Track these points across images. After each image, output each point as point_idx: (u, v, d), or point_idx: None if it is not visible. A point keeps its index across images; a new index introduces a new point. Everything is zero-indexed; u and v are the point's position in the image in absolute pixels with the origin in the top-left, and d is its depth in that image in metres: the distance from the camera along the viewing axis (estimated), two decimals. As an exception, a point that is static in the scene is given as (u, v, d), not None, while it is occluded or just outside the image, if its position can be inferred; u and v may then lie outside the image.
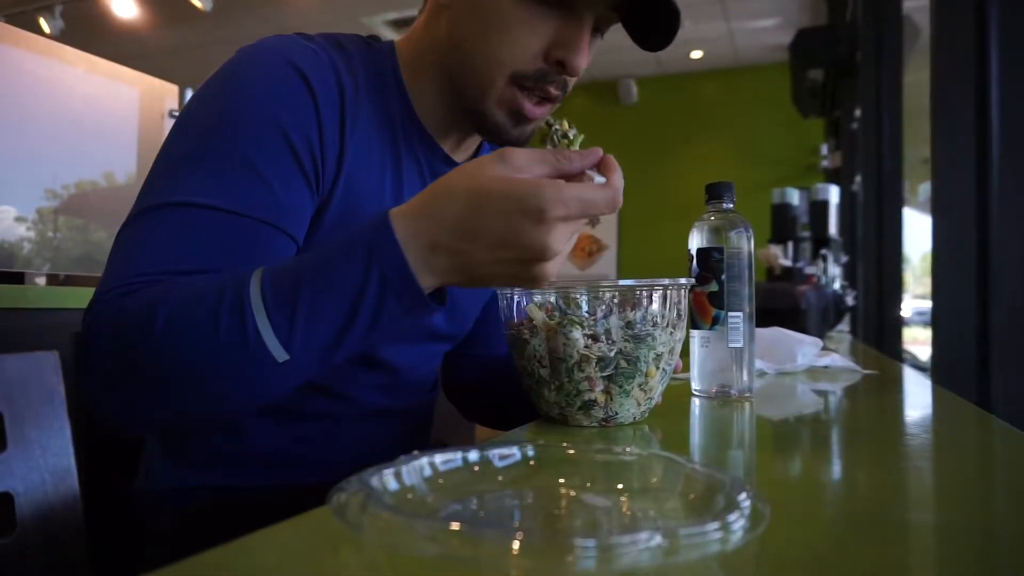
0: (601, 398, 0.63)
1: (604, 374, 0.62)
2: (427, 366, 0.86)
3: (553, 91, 0.71)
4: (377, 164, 0.72)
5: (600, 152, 0.55)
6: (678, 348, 0.68)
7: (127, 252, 0.59)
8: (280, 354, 0.52)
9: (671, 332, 0.65)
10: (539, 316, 0.63)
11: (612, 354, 0.62)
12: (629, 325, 0.63)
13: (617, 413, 0.64)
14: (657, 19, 0.71)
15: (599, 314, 0.63)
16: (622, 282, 0.63)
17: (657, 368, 0.64)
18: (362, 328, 0.53)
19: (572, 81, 0.72)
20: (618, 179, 0.54)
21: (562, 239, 0.52)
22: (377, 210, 0.65)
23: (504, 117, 0.71)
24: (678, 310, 0.66)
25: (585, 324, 0.62)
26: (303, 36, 0.71)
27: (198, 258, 0.58)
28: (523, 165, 0.52)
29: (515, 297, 0.66)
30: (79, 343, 0.57)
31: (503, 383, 0.93)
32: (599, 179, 0.54)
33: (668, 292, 0.65)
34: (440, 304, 0.55)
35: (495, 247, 0.51)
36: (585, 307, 0.63)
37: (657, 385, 0.66)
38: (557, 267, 0.53)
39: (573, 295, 0.63)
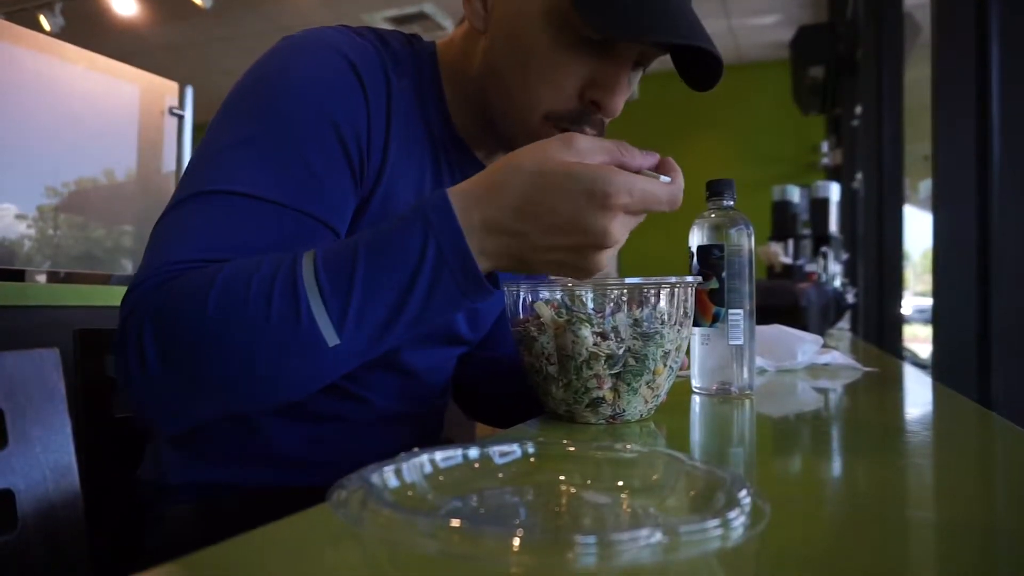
0: (609, 396, 0.63)
1: (612, 372, 0.62)
2: (442, 370, 0.85)
3: (589, 130, 0.70)
4: (416, 164, 0.71)
5: (658, 155, 0.56)
6: (684, 346, 0.68)
7: (167, 239, 0.58)
8: (332, 338, 0.51)
9: (678, 330, 0.65)
10: (547, 313, 0.63)
11: (621, 352, 0.62)
12: (637, 323, 0.63)
13: (624, 411, 0.64)
14: (698, 60, 0.69)
15: (608, 312, 0.63)
16: (630, 280, 0.63)
17: (664, 366, 0.65)
18: (415, 308, 0.52)
19: (608, 120, 0.71)
20: (680, 179, 0.55)
21: (622, 229, 0.52)
22: None
23: None
24: (685, 308, 0.66)
25: (594, 322, 0.62)
26: (351, 28, 0.70)
27: (240, 247, 0.57)
28: (586, 150, 0.52)
29: (521, 294, 0.66)
30: (117, 335, 0.55)
31: (507, 382, 0.93)
32: (664, 179, 0.54)
33: (675, 290, 0.65)
34: (494, 287, 0.55)
35: (554, 230, 0.51)
36: (593, 304, 0.64)
37: (664, 383, 0.66)
38: (611, 257, 0.53)
39: (582, 293, 0.64)
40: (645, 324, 0.63)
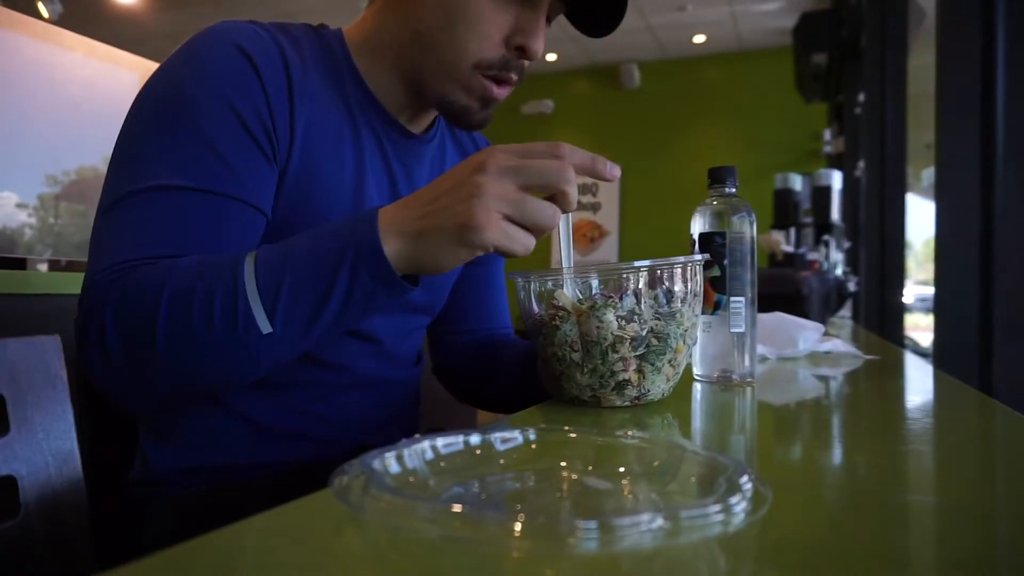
0: (635, 377, 0.64)
1: (637, 353, 0.64)
2: (409, 339, 0.88)
3: (513, 76, 0.76)
4: (333, 135, 0.75)
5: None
6: (698, 322, 0.70)
7: (111, 240, 0.63)
8: (265, 326, 0.57)
9: (692, 307, 0.67)
10: (569, 301, 0.65)
11: (644, 333, 0.64)
12: (657, 303, 0.65)
13: (649, 391, 0.65)
14: (603, 6, 0.77)
15: (628, 295, 0.64)
16: (641, 263, 0.64)
17: (684, 343, 0.67)
18: (338, 300, 0.57)
19: (527, 64, 0.77)
20: (568, 151, 0.57)
21: (494, 177, 0.54)
22: (337, 180, 0.72)
23: (471, 101, 0.76)
24: (695, 286, 0.68)
25: (617, 306, 0.63)
26: (253, 22, 0.74)
27: (175, 237, 0.63)
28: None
29: (534, 285, 0.66)
30: (78, 328, 0.60)
31: (491, 362, 0.93)
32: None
33: (687, 268, 0.67)
34: (413, 285, 0.59)
35: (431, 190, 0.57)
36: (602, 290, 0.65)
37: (683, 360, 0.68)
38: (491, 211, 0.53)
39: (604, 278, 0.65)
40: (665, 304, 0.65)
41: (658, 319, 0.64)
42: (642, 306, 0.64)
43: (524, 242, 0.55)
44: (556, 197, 0.57)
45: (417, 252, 0.56)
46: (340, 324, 0.59)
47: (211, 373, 0.60)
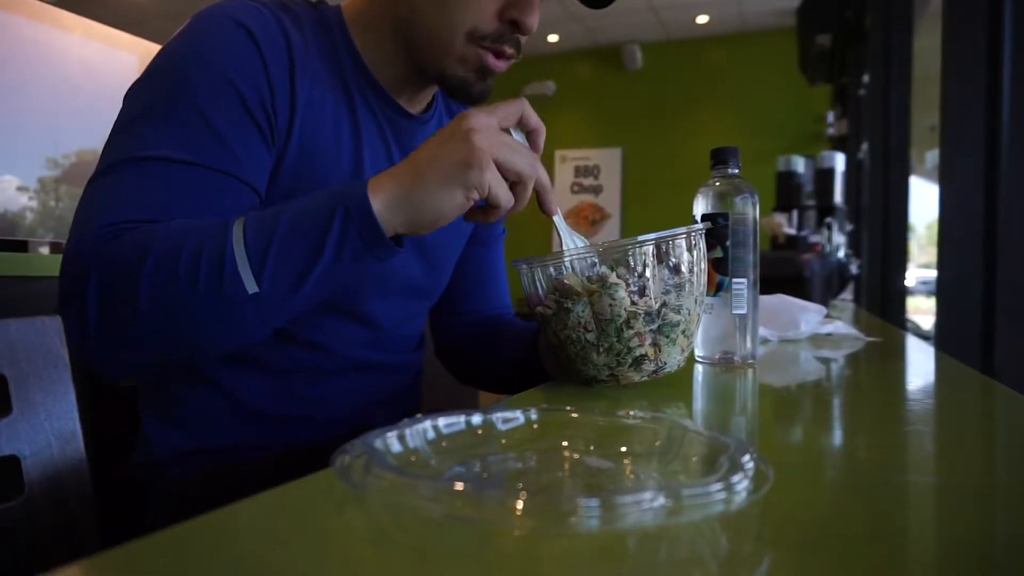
0: (651, 352, 0.65)
1: (651, 327, 0.64)
2: (410, 324, 0.87)
3: (508, 49, 0.75)
4: (331, 117, 0.74)
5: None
6: (705, 289, 0.71)
7: (99, 205, 0.63)
8: (251, 285, 0.57)
9: (699, 276, 0.68)
10: (578, 282, 0.64)
11: (657, 307, 0.64)
12: (666, 276, 0.65)
13: (666, 363, 0.66)
14: None
15: (637, 270, 0.64)
16: (648, 236, 0.64)
17: (695, 313, 0.67)
18: (327, 260, 0.58)
19: (523, 39, 0.77)
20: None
21: (484, 122, 0.59)
22: (335, 162, 0.72)
23: (468, 73, 0.75)
24: (700, 254, 0.68)
25: (629, 281, 0.64)
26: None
27: (165, 207, 0.63)
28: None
29: (538, 271, 0.66)
30: (61, 290, 0.60)
31: (493, 343, 0.94)
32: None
33: (691, 237, 0.67)
34: (399, 246, 0.60)
35: (427, 147, 0.60)
36: (597, 268, 0.65)
37: (696, 330, 0.68)
38: (486, 151, 0.58)
39: (610, 256, 0.65)
40: (674, 276, 0.65)
41: (668, 291, 0.65)
42: (651, 280, 0.64)
43: (507, 195, 0.60)
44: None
45: (413, 195, 0.58)
46: (327, 286, 0.60)
47: (194, 337, 0.60)
